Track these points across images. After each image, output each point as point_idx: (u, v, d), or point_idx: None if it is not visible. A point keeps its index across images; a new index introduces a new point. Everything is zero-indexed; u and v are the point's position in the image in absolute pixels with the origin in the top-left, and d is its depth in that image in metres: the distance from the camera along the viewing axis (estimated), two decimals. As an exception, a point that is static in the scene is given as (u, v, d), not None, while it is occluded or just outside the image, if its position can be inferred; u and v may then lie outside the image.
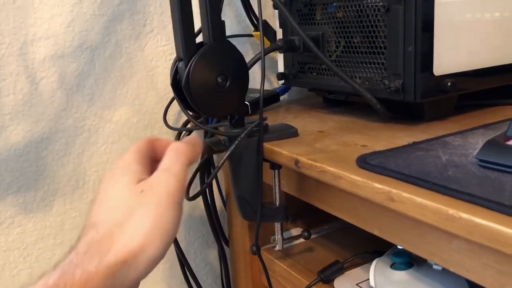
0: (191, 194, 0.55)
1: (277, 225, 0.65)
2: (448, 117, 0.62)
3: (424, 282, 0.51)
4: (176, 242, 0.75)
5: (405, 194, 0.39)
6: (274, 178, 0.61)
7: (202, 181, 0.75)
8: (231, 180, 0.59)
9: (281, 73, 0.74)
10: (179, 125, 0.76)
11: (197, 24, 0.50)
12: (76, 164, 0.72)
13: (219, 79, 0.52)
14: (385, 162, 0.45)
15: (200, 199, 0.80)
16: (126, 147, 0.75)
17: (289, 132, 0.59)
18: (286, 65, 0.73)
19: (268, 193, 0.61)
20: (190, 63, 0.50)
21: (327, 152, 0.52)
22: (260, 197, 0.57)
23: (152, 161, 0.44)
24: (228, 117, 0.57)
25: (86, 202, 0.73)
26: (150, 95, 0.75)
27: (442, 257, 0.42)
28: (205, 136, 0.68)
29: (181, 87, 0.52)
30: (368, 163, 0.45)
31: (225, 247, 0.81)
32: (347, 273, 0.65)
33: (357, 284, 0.62)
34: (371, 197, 0.42)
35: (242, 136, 0.54)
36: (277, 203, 0.62)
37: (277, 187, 0.62)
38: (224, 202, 0.80)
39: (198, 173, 0.72)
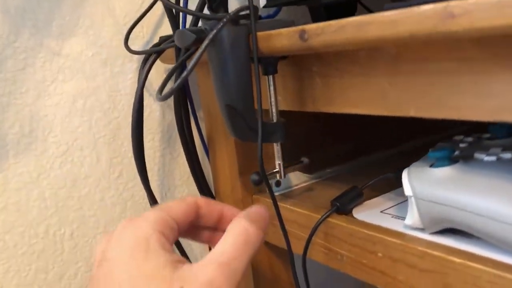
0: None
1: (277, 149, 0.53)
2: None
3: (478, 174, 0.39)
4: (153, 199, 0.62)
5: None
6: (269, 87, 0.50)
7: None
8: (215, 84, 0.46)
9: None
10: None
11: None
12: (19, 106, 0.57)
13: None
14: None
15: (182, 156, 0.68)
16: (82, 86, 0.61)
17: (285, 21, 0.48)
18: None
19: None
20: None
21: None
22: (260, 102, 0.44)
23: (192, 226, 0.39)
24: (207, 0, 0.45)
25: (36, 154, 0.59)
26: (108, 23, 0.62)
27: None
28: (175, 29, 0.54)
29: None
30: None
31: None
32: (366, 203, 0.53)
33: (381, 211, 0.50)
34: (418, 26, 0.31)
35: (227, 18, 0.42)
36: (275, 119, 0.50)
37: (273, 97, 0.50)
38: (206, 150, 0.67)
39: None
